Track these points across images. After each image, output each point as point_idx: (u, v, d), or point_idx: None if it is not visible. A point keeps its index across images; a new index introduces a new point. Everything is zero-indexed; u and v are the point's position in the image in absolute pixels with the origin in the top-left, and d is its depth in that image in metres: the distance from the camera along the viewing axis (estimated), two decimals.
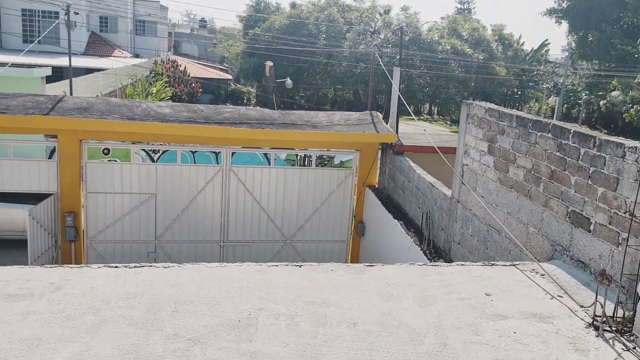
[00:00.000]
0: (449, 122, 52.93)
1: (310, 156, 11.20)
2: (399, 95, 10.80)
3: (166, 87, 37.68)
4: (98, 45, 43.37)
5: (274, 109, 33.35)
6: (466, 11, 58.97)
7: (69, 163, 10.18)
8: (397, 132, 10.85)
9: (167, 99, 36.37)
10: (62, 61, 37.58)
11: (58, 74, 37.02)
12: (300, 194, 11.44)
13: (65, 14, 15.65)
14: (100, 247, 10.89)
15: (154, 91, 34.15)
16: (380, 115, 11.15)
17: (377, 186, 11.39)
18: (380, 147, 11.16)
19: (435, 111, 59.30)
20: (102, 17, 44.91)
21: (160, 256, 11.15)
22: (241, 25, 37.82)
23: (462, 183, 6.98)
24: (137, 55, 48.55)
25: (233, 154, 10.96)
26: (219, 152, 10.83)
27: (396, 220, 9.15)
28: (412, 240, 8.28)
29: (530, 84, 57.40)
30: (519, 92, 58.71)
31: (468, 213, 6.80)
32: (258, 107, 9.31)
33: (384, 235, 9.96)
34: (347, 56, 29.77)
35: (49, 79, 19.21)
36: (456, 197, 7.18)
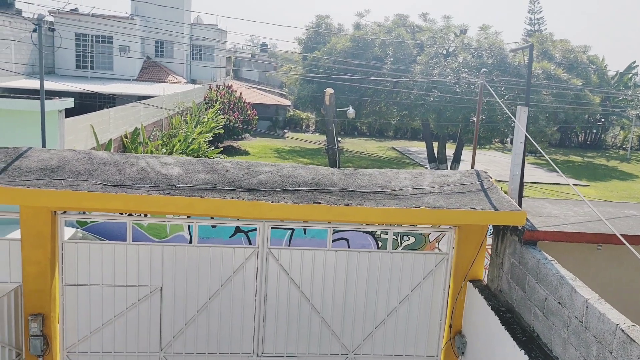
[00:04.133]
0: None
1: (384, 232, 7.65)
2: (525, 139, 7.05)
3: (218, 114, 35.18)
4: (152, 70, 41.58)
5: (334, 142, 29.97)
6: (537, 32, 54.54)
7: (36, 244, 6.99)
8: (520, 203, 7.09)
9: (219, 129, 33.81)
10: (115, 88, 35.77)
11: (109, 102, 35.19)
12: (369, 288, 7.84)
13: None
14: None
15: (205, 120, 31.64)
16: (492, 177, 7.44)
17: (483, 282, 7.64)
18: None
19: (509, 141, 54.68)
20: (157, 41, 43.24)
21: None
22: (300, 49, 34.91)
23: None
24: (193, 81, 46.78)
25: (273, 229, 7.54)
26: (251, 229, 7.45)
27: None
28: None
29: (616, 110, 52.10)
30: (602, 120, 53.54)
31: None
32: (310, 166, 5.74)
33: None
34: (417, 82, 26.06)
35: (73, 112, 16.52)
36: None
